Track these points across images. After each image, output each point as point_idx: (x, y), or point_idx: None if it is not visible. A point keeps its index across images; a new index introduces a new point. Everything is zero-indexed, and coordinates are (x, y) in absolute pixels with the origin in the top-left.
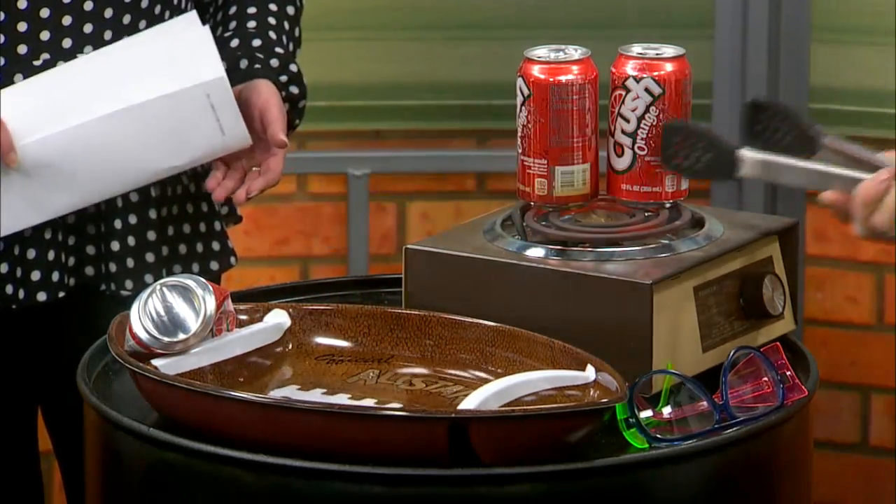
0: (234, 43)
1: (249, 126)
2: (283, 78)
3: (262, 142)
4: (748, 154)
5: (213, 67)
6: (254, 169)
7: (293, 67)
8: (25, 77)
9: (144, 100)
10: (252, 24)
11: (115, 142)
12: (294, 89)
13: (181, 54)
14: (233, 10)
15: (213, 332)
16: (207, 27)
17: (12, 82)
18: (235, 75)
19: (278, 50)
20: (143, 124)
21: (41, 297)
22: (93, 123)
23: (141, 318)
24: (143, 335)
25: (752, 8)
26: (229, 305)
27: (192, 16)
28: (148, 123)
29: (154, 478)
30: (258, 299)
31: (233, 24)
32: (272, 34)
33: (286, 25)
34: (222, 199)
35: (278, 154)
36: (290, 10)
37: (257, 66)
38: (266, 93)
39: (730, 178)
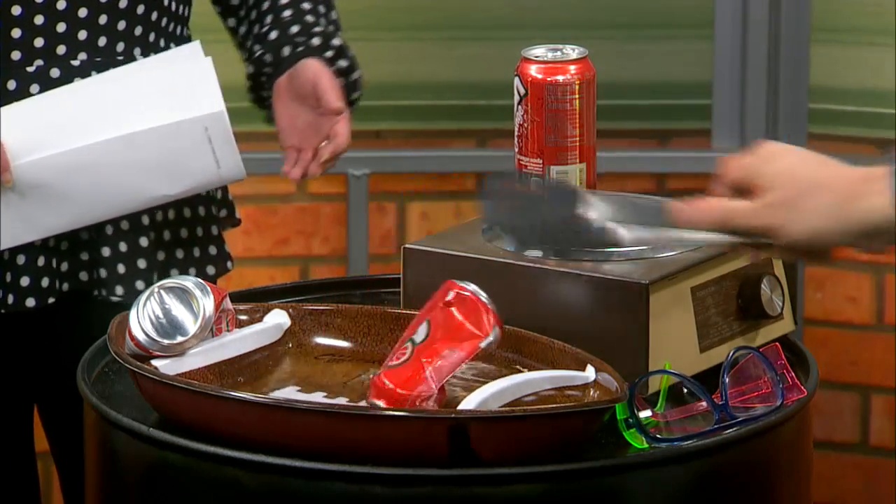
0: (273, 35)
1: (307, 104)
2: (329, 53)
3: (323, 115)
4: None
5: (213, 101)
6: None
7: (336, 41)
8: (18, 83)
9: (142, 129)
10: (287, 13)
11: (111, 167)
12: (342, 62)
13: (182, 84)
14: (265, 5)
15: (213, 332)
16: (210, 58)
17: (5, 88)
18: (282, 64)
19: (317, 29)
20: (139, 152)
21: (30, 302)
22: (89, 148)
23: (140, 321)
24: (141, 337)
25: (751, 8)
26: (228, 304)
27: (196, 45)
28: (144, 152)
29: (154, 478)
30: (258, 299)
31: (269, 19)
32: (309, 18)
33: (321, 9)
34: (298, 177)
35: (341, 120)
36: None
37: (300, 49)
38: (313, 67)
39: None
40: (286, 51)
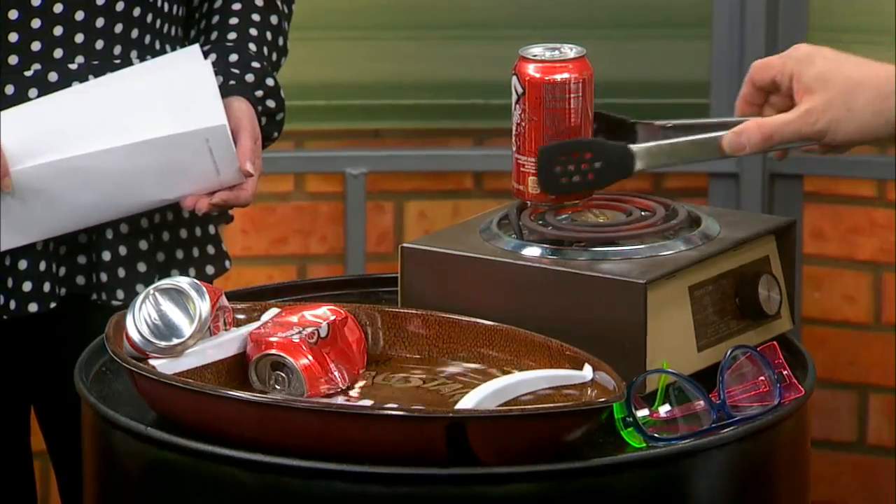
0: (212, 58)
1: None
2: (259, 93)
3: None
4: (638, 147)
5: (214, 113)
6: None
7: (270, 81)
8: (16, 88)
9: (143, 139)
10: (232, 35)
11: (110, 175)
12: (271, 103)
13: (183, 94)
14: (216, 19)
15: (211, 331)
16: (210, 63)
17: (3, 93)
18: None
19: (255, 65)
20: (139, 161)
21: (32, 307)
22: (89, 156)
23: (136, 324)
24: (137, 340)
25: (749, 7)
26: (224, 301)
27: (195, 49)
28: (145, 161)
29: (152, 477)
30: (256, 298)
31: (214, 35)
32: (252, 46)
33: (268, 36)
34: (191, 207)
35: (252, 178)
36: (274, 19)
37: (232, 82)
38: (238, 114)
39: (625, 177)
40: (218, 80)
